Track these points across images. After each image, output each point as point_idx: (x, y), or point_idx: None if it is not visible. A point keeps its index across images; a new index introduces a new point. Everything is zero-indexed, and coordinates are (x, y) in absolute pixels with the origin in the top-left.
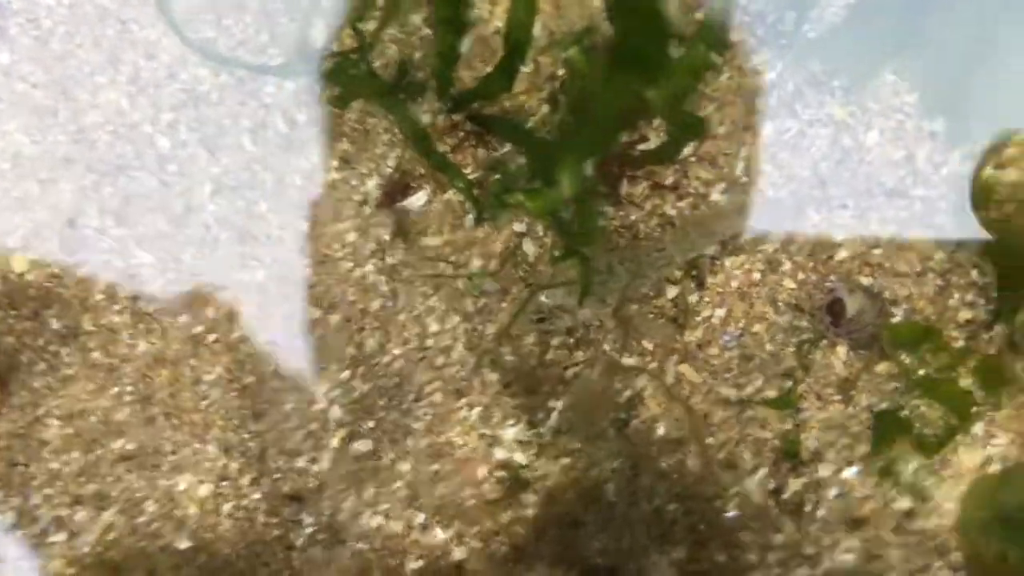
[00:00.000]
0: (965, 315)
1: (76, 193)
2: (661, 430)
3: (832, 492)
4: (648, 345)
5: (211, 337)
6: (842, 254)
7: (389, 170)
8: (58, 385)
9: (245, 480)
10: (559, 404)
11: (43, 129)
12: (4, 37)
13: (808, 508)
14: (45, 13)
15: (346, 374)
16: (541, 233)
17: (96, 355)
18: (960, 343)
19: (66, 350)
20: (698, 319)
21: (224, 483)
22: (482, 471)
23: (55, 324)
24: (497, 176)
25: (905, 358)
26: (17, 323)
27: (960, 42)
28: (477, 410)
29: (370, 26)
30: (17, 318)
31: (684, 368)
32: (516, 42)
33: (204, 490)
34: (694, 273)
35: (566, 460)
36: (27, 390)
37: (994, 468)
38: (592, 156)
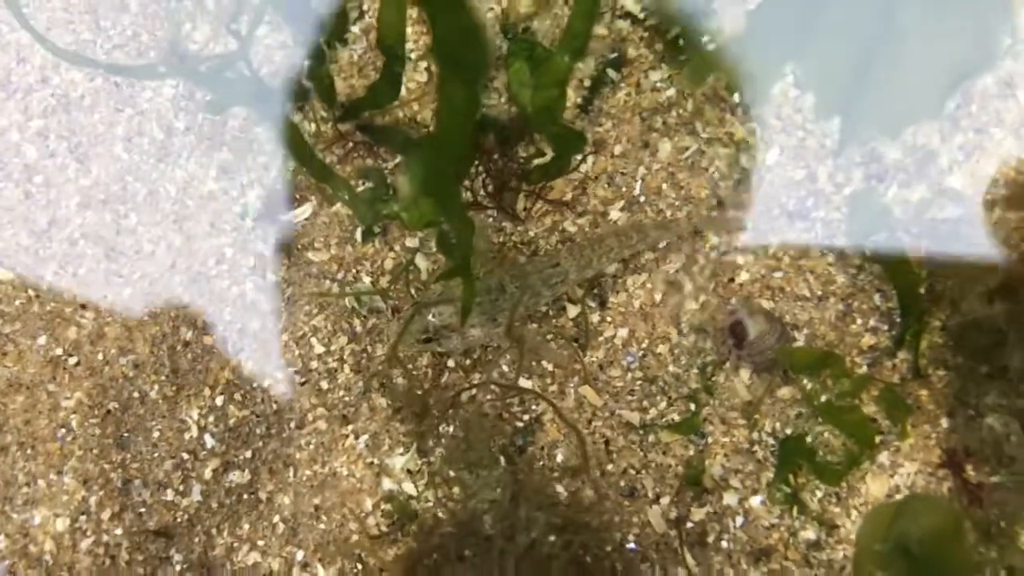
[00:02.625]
0: (868, 341)
1: None
2: (560, 456)
3: (737, 521)
4: (548, 366)
5: (72, 360)
6: (743, 276)
7: (271, 181)
8: None
9: (106, 514)
10: (451, 430)
11: None
12: None
13: (712, 538)
14: None
15: (221, 399)
16: (435, 249)
17: None
18: (863, 369)
19: None
20: (600, 339)
21: (83, 517)
22: (368, 503)
23: None
24: (369, 185)
25: (807, 383)
26: None
27: (858, 44)
28: (364, 437)
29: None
30: None
31: (586, 390)
32: (389, 48)
33: (61, 525)
34: (595, 292)
35: (444, 488)
36: None
37: (902, 497)
38: (444, 162)
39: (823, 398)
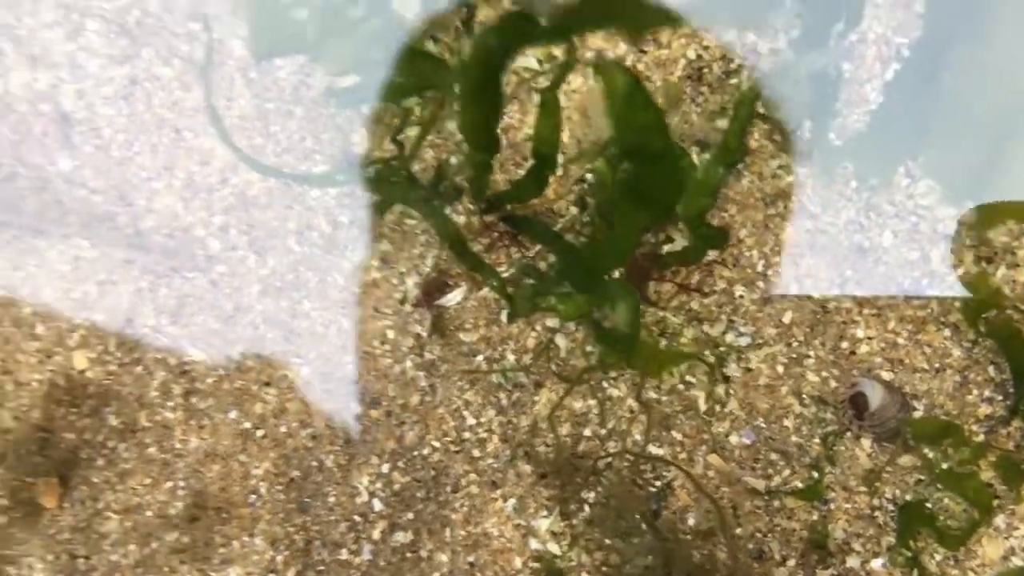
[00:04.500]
0: (984, 410)
1: (133, 294)
2: (691, 520)
3: None
4: (677, 435)
5: (259, 433)
6: (863, 349)
7: (427, 269)
8: (116, 480)
9: (291, 572)
10: (591, 495)
11: (102, 233)
12: (67, 145)
13: None
14: (106, 122)
15: (387, 467)
16: (573, 328)
17: (152, 450)
18: (980, 437)
19: (123, 445)
20: (725, 410)
21: (271, 575)
22: (518, 562)
23: (113, 420)
24: (530, 282)
25: (928, 452)
26: (78, 420)
27: (975, 146)
28: (512, 501)
29: (410, 132)
30: (78, 415)
31: (713, 458)
32: (543, 155)
33: None
34: (721, 366)
35: (599, 555)
36: (87, 485)
37: (1017, 559)
38: (610, 266)
39: (944, 465)
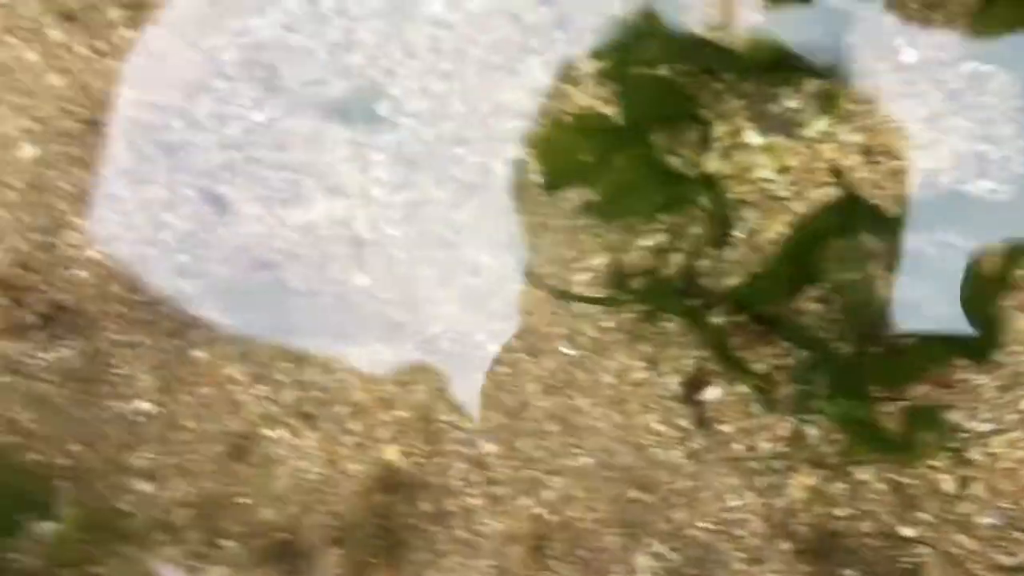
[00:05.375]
0: None
1: (429, 392)
2: None
3: None
4: (925, 516)
5: (553, 518)
6: None
7: (687, 368)
8: (433, 559)
9: None
10: (848, 572)
11: (396, 338)
12: (364, 265)
13: None
14: (391, 242)
15: (663, 548)
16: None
17: (460, 533)
18: None
19: (436, 528)
20: (970, 492)
21: None
22: None
23: (425, 506)
24: (803, 388)
25: None
26: (396, 506)
27: None
28: None
29: (657, 240)
30: (395, 501)
31: (960, 538)
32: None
33: None
34: (965, 451)
35: None
36: (411, 563)
37: None
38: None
39: None
